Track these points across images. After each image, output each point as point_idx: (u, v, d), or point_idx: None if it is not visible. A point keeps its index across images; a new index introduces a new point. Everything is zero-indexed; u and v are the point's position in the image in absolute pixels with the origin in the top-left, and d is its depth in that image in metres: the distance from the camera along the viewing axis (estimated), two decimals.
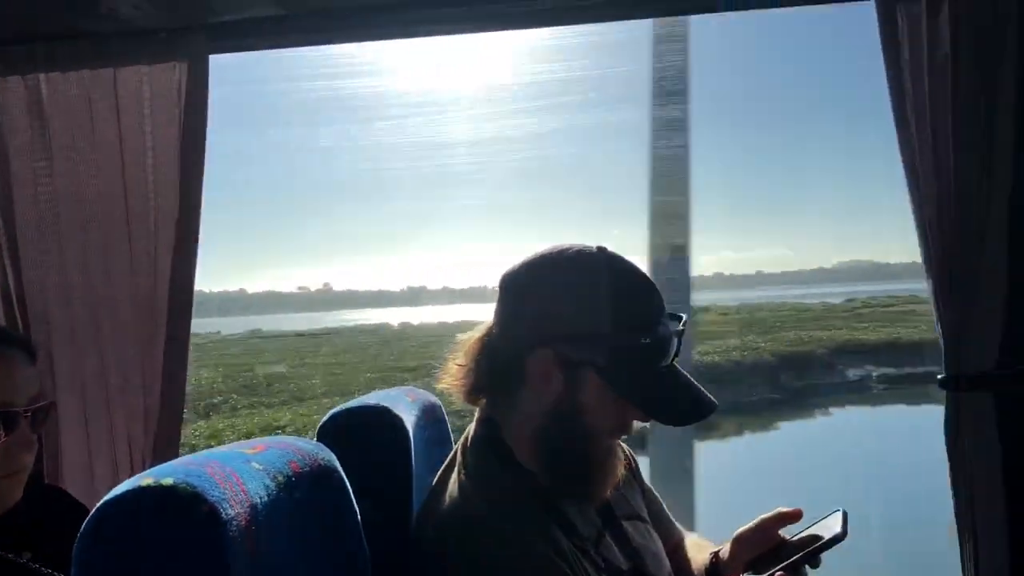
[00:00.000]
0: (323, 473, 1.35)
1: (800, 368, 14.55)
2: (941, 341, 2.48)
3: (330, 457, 1.40)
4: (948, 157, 2.41)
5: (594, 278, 1.56)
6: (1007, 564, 2.40)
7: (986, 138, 2.40)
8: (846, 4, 2.63)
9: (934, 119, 2.42)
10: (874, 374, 14.63)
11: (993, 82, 2.39)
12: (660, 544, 1.81)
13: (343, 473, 1.40)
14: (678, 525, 2.00)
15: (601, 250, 1.61)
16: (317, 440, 1.61)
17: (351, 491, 1.42)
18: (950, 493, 2.48)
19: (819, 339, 15.80)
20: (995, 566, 2.40)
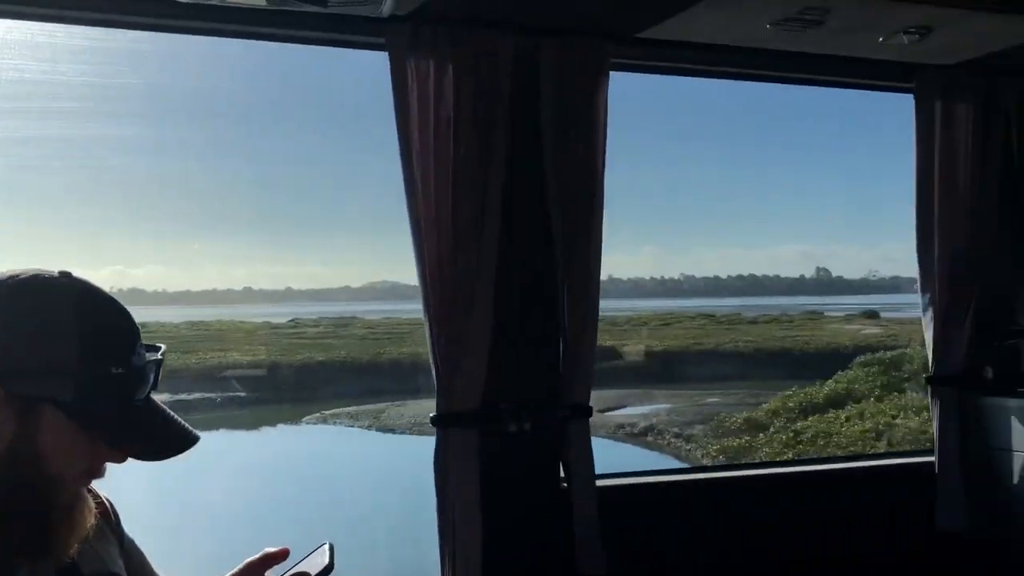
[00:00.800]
0: None
1: None
2: (435, 381, 2.65)
3: None
4: (447, 210, 2.58)
5: (52, 305, 1.40)
6: None
7: (480, 194, 2.62)
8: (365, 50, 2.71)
9: (437, 173, 2.58)
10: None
11: (488, 144, 2.62)
12: None
13: None
14: None
15: (64, 275, 1.45)
16: None
17: None
18: (436, 521, 2.65)
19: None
20: None
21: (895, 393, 9.72)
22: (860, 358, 10.50)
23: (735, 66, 3.05)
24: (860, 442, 8.80)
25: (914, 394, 9.46)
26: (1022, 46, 2.91)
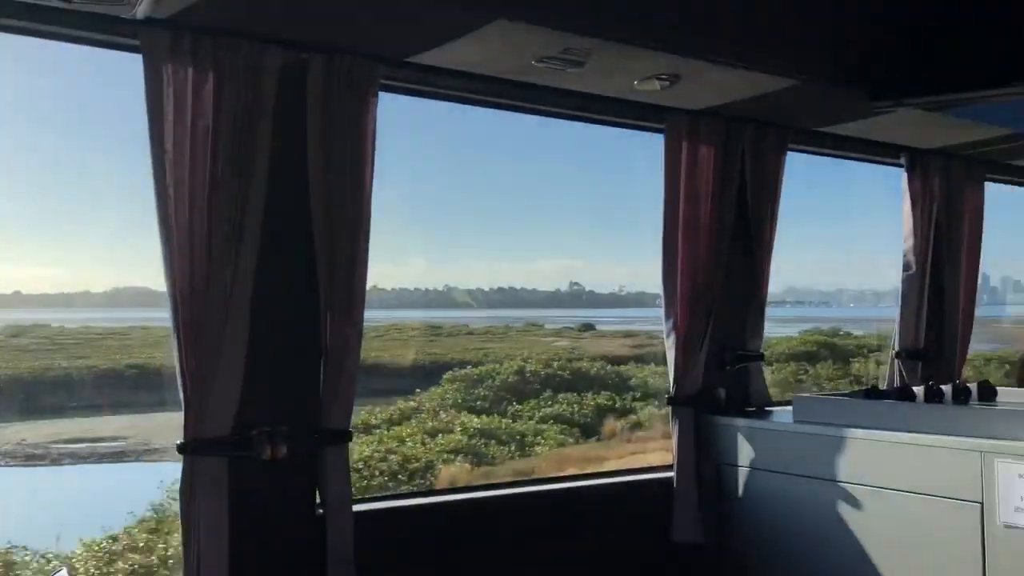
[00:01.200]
0: None
1: None
2: (182, 402, 2.50)
3: None
4: (202, 222, 2.45)
5: None
6: None
7: (238, 207, 2.51)
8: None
9: (192, 184, 2.44)
10: None
11: (248, 156, 2.52)
12: None
13: None
14: None
15: None
16: None
17: None
18: (182, 553, 2.51)
19: None
20: None
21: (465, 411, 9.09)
22: (448, 373, 9.85)
23: (502, 96, 3.14)
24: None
25: (446, 414, 8.94)
26: (755, 97, 3.21)
